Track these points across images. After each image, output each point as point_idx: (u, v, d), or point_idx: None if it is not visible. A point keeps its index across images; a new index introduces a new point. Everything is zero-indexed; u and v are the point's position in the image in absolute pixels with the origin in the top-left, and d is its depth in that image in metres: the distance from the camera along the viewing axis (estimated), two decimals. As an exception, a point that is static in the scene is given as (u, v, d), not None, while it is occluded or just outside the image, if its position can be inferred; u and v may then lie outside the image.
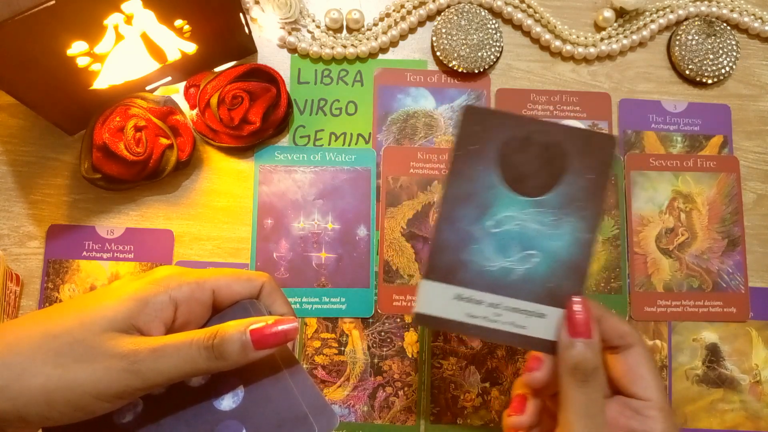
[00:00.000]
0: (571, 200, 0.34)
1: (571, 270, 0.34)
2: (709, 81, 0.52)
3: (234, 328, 0.29)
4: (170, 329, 0.31)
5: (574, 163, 0.34)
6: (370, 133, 0.51)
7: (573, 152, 0.34)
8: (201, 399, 0.31)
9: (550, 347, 0.34)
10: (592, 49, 0.52)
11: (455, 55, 0.51)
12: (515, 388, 0.37)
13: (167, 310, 0.30)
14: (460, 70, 0.51)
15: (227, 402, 0.31)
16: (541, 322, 0.34)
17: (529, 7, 0.52)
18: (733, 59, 0.52)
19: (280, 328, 0.30)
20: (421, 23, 0.53)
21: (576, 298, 0.34)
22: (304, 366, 0.47)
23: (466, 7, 0.52)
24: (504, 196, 0.35)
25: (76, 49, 0.39)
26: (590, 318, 0.33)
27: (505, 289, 0.34)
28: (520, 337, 0.34)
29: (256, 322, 0.30)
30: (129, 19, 0.39)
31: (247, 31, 0.47)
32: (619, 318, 0.36)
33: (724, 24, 0.53)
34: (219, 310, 0.33)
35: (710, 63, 0.52)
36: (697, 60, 0.52)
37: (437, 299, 0.34)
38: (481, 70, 0.51)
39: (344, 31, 0.52)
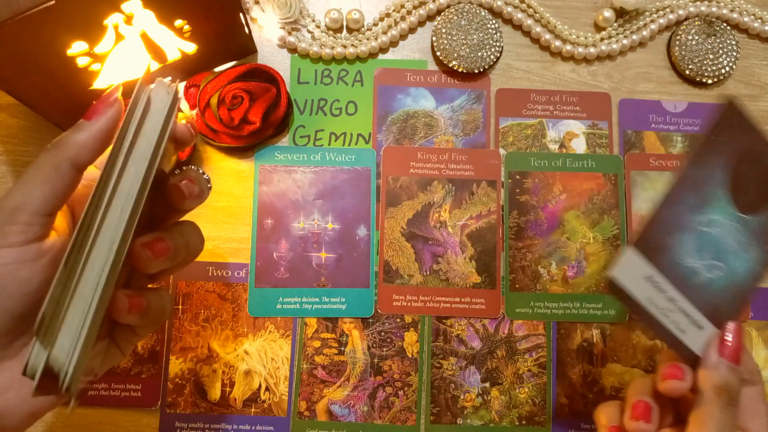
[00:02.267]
0: (765, 230, 0.36)
1: (739, 295, 0.35)
2: (709, 81, 0.52)
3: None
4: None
5: None
6: (370, 133, 0.51)
7: None
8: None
9: (694, 360, 0.35)
10: (592, 49, 0.52)
11: (455, 55, 0.51)
12: (635, 393, 0.37)
13: None
14: (460, 70, 0.51)
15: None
16: (697, 333, 0.35)
17: (529, 7, 0.53)
18: (733, 59, 0.52)
19: (105, 94, 0.32)
20: (421, 23, 0.53)
21: (734, 323, 0.35)
22: (305, 366, 0.47)
23: (466, 7, 0.52)
24: (722, 199, 0.35)
25: (76, 49, 0.39)
26: (742, 344, 0.35)
27: (686, 289, 0.35)
28: (675, 339, 0.35)
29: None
30: (129, 19, 0.39)
31: (247, 31, 0.47)
32: (750, 355, 0.37)
33: (724, 24, 0.53)
34: None
35: (710, 63, 0.52)
36: (697, 60, 0.52)
37: (632, 271, 0.34)
38: (481, 70, 0.51)
39: (344, 31, 0.52)
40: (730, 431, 0.33)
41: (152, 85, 0.31)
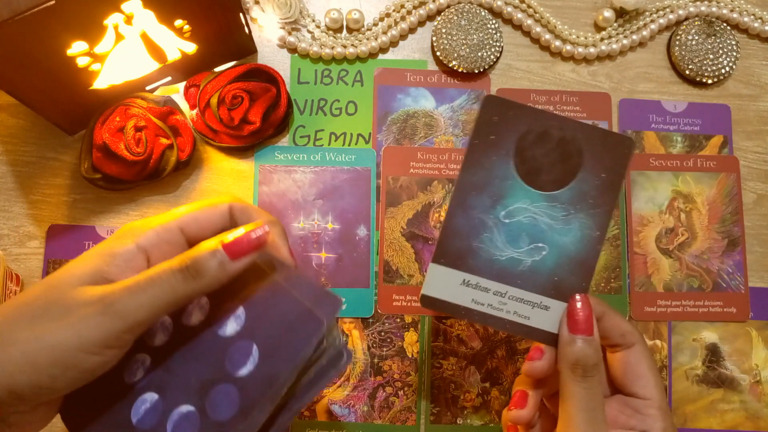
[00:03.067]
0: (583, 197, 0.35)
1: (578, 266, 0.35)
2: (709, 81, 0.52)
3: (205, 245, 0.29)
4: None
5: (589, 161, 0.35)
6: (370, 133, 0.51)
7: (589, 150, 0.35)
8: (205, 333, 0.31)
9: (552, 339, 0.35)
10: (592, 49, 0.52)
11: (455, 55, 0.51)
12: (516, 385, 0.37)
13: (137, 259, 0.30)
14: (460, 70, 0.51)
15: (231, 327, 0.30)
16: (544, 314, 0.35)
17: (529, 7, 0.52)
18: (733, 59, 0.52)
19: (252, 234, 0.30)
20: (421, 23, 0.53)
21: (578, 295, 0.35)
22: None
23: (466, 7, 0.52)
24: (518, 187, 0.35)
25: (76, 49, 0.39)
26: (591, 315, 0.34)
27: (512, 279, 0.35)
28: (522, 326, 0.35)
29: (226, 234, 0.30)
30: (129, 19, 0.39)
31: (247, 31, 0.47)
32: (621, 316, 0.36)
33: (724, 24, 0.53)
34: None
35: (710, 63, 0.52)
36: (697, 60, 0.52)
37: (445, 283, 0.35)
38: (481, 70, 0.51)
39: (344, 31, 0.52)
40: (596, 403, 0.33)
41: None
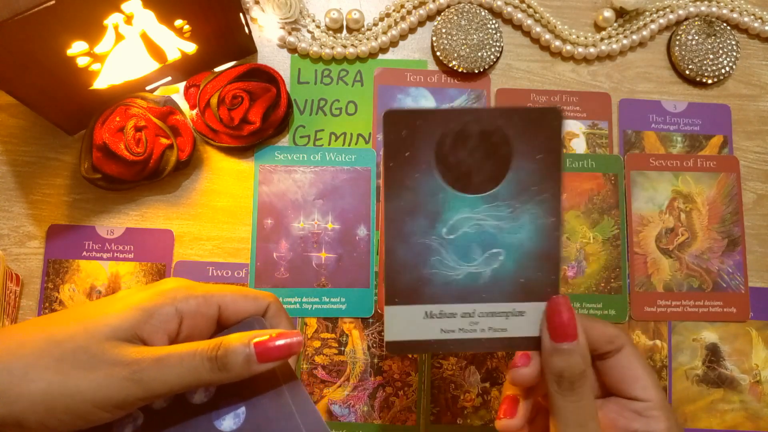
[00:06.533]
0: (524, 187, 0.32)
1: (541, 260, 0.32)
2: (709, 81, 0.52)
3: (238, 340, 0.29)
4: (174, 342, 0.31)
5: (518, 146, 0.31)
6: (370, 133, 0.51)
7: (515, 135, 0.31)
8: (202, 417, 0.31)
9: (537, 344, 0.32)
10: (592, 49, 0.52)
11: (455, 55, 0.51)
12: (505, 390, 0.35)
13: (172, 322, 0.30)
14: (460, 70, 0.51)
15: (228, 422, 0.31)
16: (521, 320, 0.32)
17: (529, 7, 0.52)
18: (733, 59, 0.52)
19: (284, 341, 0.30)
20: (421, 23, 0.53)
21: (554, 298, 0.32)
22: (304, 366, 0.47)
23: (466, 7, 0.52)
24: (451, 198, 0.32)
25: (76, 49, 0.39)
26: (572, 317, 0.31)
27: (476, 295, 0.32)
28: (502, 340, 0.33)
29: (261, 335, 0.30)
30: (129, 19, 0.39)
31: (247, 31, 0.47)
32: (603, 322, 0.34)
33: (724, 24, 0.53)
34: (223, 327, 0.33)
35: (710, 63, 0.52)
36: (697, 60, 0.52)
37: (406, 323, 0.32)
38: (481, 70, 0.51)
39: (344, 31, 0.52)
40: (587, 417, 0.31)
41: None
